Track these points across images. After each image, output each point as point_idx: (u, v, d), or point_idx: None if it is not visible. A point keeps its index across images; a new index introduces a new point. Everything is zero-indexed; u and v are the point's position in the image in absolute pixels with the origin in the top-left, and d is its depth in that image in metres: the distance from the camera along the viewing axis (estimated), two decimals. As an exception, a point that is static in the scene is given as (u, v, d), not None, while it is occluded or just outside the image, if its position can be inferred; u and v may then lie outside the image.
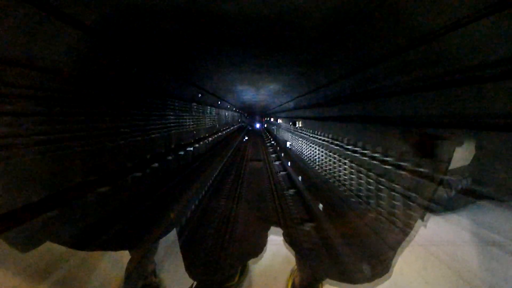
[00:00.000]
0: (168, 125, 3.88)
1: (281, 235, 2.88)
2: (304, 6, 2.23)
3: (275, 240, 2.82)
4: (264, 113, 27.30)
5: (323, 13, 2.35)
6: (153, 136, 3.29)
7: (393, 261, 2.54)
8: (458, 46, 2.05)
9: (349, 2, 2.24)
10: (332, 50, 3.21)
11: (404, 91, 2.59)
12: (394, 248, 2.62)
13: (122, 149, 2.83)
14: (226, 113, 12.26)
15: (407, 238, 2.64)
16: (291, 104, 8.67)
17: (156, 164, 3.24)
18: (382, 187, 2.72)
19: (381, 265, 2.52)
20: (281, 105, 11.06)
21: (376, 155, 2.89)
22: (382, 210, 2.76)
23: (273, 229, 3.04)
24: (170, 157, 3.75)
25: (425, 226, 2.59)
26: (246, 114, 28.45)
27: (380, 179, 2.75)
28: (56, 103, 2.29)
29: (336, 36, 2.79)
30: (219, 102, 9.02)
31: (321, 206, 3.49)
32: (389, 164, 2.66)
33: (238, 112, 22.42)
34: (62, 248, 1.88)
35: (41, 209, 2.11)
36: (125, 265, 2.06)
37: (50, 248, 1.75)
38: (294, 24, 2.52)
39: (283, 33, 2.70)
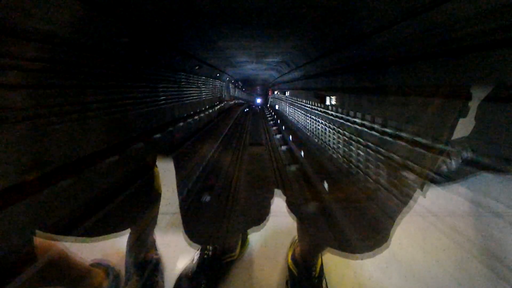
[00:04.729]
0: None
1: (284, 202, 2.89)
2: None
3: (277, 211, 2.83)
4: (268, 84, 19.60)
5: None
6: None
7: (392, 231, 2.55)
8: (457, 13, 1.96)
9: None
10: (330, 19, 3.07)
11: (402, 61, 2.51)
12: (393, 217, 2.62)
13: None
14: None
15: (406, 208, 2.64)
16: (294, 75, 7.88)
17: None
18: (381, 157, 2.70)
19: (380, 235, 2.54)
20: (285, 74, 9.93)
21: (374, 125, 2.85)
22: (381, 180, 2.75)
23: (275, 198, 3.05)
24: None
25: (425, 196, 2.58)
26: (241, 84, 20.36)
27: (379, 149, 2.72)
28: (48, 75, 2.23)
29: (333, 4, 2.66)
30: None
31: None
32: (388, 135, 2.62)
33: (232, 82, 14.76)
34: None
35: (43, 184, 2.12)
36: (125, 238, 2.09)
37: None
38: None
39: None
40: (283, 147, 4.89)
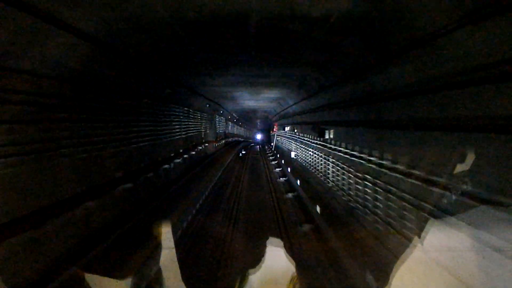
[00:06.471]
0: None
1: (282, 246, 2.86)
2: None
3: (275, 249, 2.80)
4: (269, 118, 14.30)
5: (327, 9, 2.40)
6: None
7: (394, 267, 2.51)
8: (453, 49, 2.06)
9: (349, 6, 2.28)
10: (333, 55, 3.23)
11: (402, 95, 2.60)
12: (394, 253, 2.59)
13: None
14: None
15: (407, 244, 2.62)
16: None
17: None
18: (379, 190, 2.71)
19: (382, 273, 2.50)
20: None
21: (372, 158, 2.89)
22: (381, 215, 2.74)
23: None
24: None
25: (426, 231, 2.57)
26: (236, 118, 15.01)
27: (377, 182, 2.74)
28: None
29: (337, 41, 2.81)
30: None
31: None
32: (387, 168, 2.65)
33: (221, 114, 10.48)
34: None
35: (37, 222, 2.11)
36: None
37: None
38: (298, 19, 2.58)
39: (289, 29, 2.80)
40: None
